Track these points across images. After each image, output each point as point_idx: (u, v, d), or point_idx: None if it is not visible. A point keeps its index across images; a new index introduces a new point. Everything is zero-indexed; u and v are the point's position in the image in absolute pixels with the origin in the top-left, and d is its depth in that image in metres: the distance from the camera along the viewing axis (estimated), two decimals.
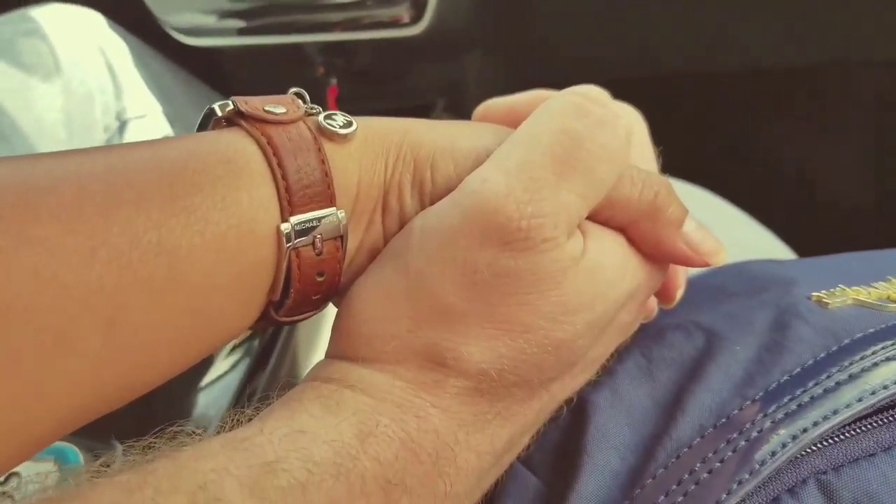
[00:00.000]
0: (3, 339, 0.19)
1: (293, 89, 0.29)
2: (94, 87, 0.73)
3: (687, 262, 0.29)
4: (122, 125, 0.75)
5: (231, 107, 0.26)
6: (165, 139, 0.25)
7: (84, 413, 0.22)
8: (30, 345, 0.20)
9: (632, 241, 0.29)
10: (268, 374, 0.57)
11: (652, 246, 0.29)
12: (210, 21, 0.77)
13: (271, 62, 0.92)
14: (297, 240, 0.25)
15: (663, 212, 0.28)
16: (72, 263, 0.20)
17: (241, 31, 0.79)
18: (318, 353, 0.60)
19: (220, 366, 0.56)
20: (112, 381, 0.22)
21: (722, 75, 1.02)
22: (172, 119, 0.80)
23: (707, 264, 0.29)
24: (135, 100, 0.77)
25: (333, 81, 0.84)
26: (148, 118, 0.77)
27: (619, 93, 0.31)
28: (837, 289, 0.32)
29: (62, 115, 0.70)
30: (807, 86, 1.02)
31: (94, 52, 0.75)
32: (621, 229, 0.29)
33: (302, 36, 0.79)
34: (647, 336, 0.33)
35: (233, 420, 0.25)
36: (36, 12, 0.74)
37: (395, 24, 0.75)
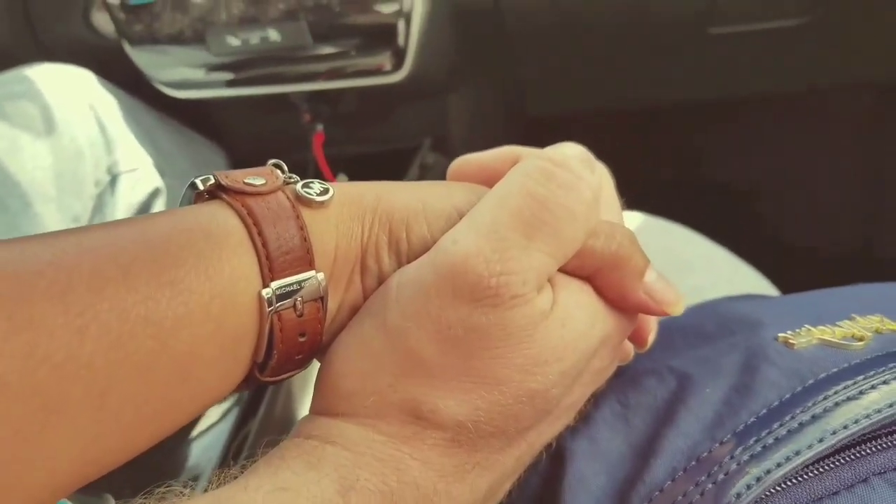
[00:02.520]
0: (4, 414, 0.20)
1: (271, 161, 0.30)
2: (84, 144, 0.75)
3: (647, 311, 0.30)
4: (114, 179, 0.77)
5: (212, 181, 0.28)
6: (150, 215, 0.26)
7: (78, 478, 0.23)
8: (27, 419, 0.21)
9: (597, 289, 0.30)
10: (259, 419, 0.57)
11: (616, 294, 0.30)
12: (198, 75, 0.79)
13: (260, 111, 0.94)
14: (279, 303, 0.26)
15: (626, 262, 0.29)
16: (64, 342, 0.21)
17: (230, 83, 0.80)
18: (309, 395, 0.61)
19: (213, 414, 0.56)
20: (104, 448, 0.23)
21: (696, 107, 1.04)
22: (163, 171, 0.81)
23: (666, 314, 0.30)
24: (126, 154, 0.78)
25: (320, 128, 0.85)
26: (139, 171, 0.79)
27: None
28: (803, 329, 0.33)
29: (51, 173, 0.71)
30: (783, 114, 1.03)
31: (85, 108, 0.77)
32: (588, 278, 0.30)
33: (288, 86, 0.81)
34: (622, 382, 0.34)
35: (219, 479, 0.26)
36: (29, 72, 0.76)
37: (377, 71, 0.76)
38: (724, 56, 0.87)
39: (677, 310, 0.30)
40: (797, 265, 0.71)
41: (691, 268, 0.55)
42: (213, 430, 0.55)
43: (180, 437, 0.54)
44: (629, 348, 0.35)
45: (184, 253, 0.25)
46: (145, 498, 0.25)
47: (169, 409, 0.25)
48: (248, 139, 1.00)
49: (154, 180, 0.80)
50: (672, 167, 1.09)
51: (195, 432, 0.54)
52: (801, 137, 1.07)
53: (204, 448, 0.54)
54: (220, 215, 0.27)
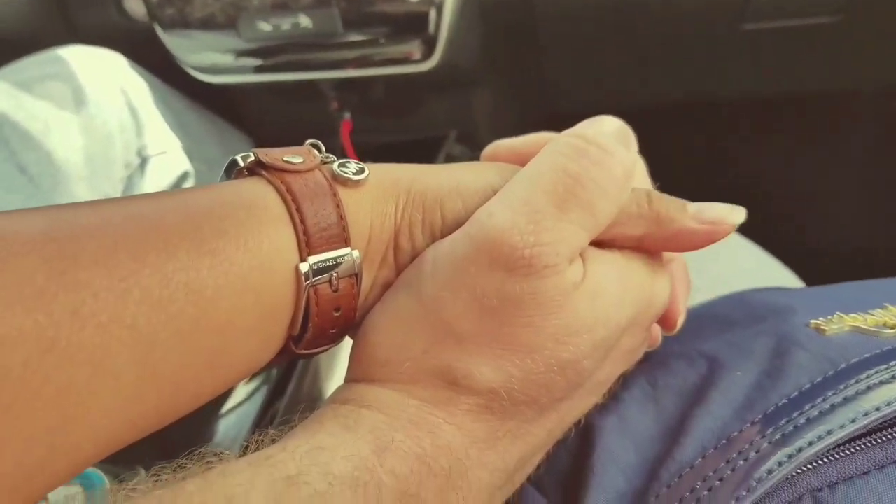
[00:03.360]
0: (48, 373, 0.21)
1: (309, 140, 0.31)
2: (114, 126, 0.76)
3: (709, 237, 0.30)
4: (143, 161, 0.78)
5: (252, 158, 0.28)
6: (191, 188, 0.27)
7: (117, 441, 0.24)
8: (71, 377, 0.21)
9: (651, 250, 0.31)
10: (286, 400, 0.58)
11: (672, 243, 0.30)
12: (228, 60, 0.80)
13: (287, 98, 0.94)
14: (315, 278, 0.27)
15: (663, 212, 0.30)
16: (108, 303, 0.22)
17: (258, 69, 0.81)
18: (336, 377, 0.62)
19: (240, 393, 0.57)
20: (143, 411, 0.24)
21: (726, 105, 1.04)
22: (192, 154, 0.82)
23: (729, 229, 0.30)
24: (155, 137, 0.79)
25: (347, 116, 0.86)
26: (168, 154, 0.80)
27: (627, 123, 0.32)
28: (835, 316, 0.34)
29: (83, 154, 0.72)
30: (813, 114, 1.03)
31: (116, 91, 0.78)
32: (638, 245, 0.30)
33: (316, 73, 0.81)
34: (652, 364, 0.35)
35: (257, 442, 0.27)
36: (62, 52, 0.77)
37: (406, 60, 0.77)
38: (757, 53, 0.87)
39: (738, 217, 0.30)
40: (824, 262, 0.70)
41: (716, 257, 0.55)
42: (239, 409, 0.56)
43: (209, 412, 0.55)
44: (658, 333, 0.36)
45: (224, 224, 0.25)
46: (187, 459, 0.26)
47: (208, 375, 0.25)
48: (276, 126, 1.00)
49: (183, 164, 0.81)
50: (699, 162, 1.08)
51: (224, 409, 0.55)
52: (830, 137, 1.06)
53: (233, 424, 0.55)
54: (259, 191, 0.27)
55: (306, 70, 0.80)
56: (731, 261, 0.57)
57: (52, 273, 0.21)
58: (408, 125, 0.97)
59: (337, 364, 0.64)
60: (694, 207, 0.30)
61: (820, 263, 0.64)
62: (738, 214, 0.30)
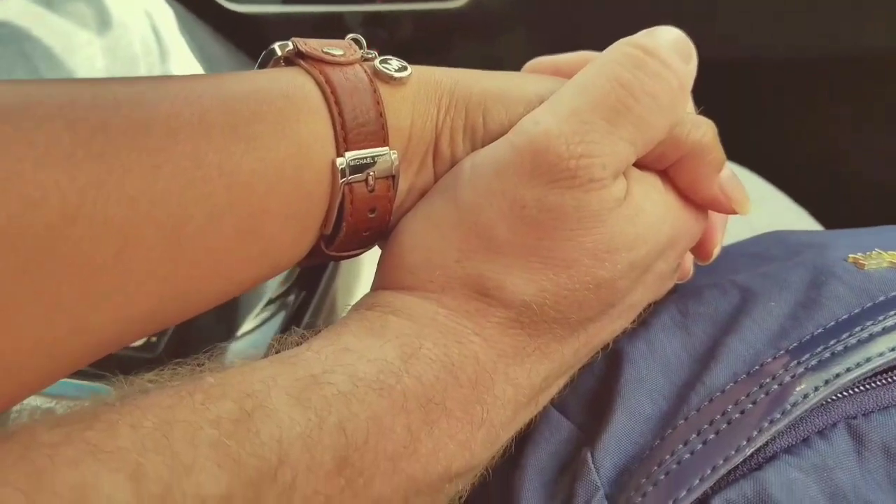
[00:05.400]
0: (72, 244, 0.20)
1: (350, 35, 0.29)
2: (138, 49, 0.75)
3: (717, 206, 0.30)
4: None
5: (291, 47, 0.27)
6: (228, 74, 0.26)
7: (140, 326, 0.24)
8: (98, 248, 0.21)
9: (674, 180, 0.30)
10: (303, 329, 0.58)
11: (690, 185, 0.30)
12: None
13: (312, 31, 0.93)
14: (352, 175, 0.26)
15: (707, 154, 0.29)
16: (138, 176, 0.21)
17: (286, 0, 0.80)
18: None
19: (257, 318, 0.57)
20: (171, 294, 0.23)
21: (763, 61, 1.01)
22: None
23: (734, 211, 0.30)
24: (179, 64, 0.78)
25: (373, 53, 0.85)
26: None
27: None
28: (874, 252, 0.33)
29: (106, 75, 0.71)
30: (849, 71, 1.01)
31: (141, 14, 0.77)
32: (667, 171, 0.30)
33: (344, 6, 0.80)
34: (683, 293, 0.34)
35: (280, 342, 0.26)
36: None
37: None
38: (789, 12, 0.85)
39: (746, 209, 0.30)
40: (852, 207, 0.69)
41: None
42: (257, 331, 0.56)
43: (225, 333, 0.54)
44: (689, 265, 0.35)
45: (262, 109, 0.25)
46: (203, 357, 0.25)
47: (235, 265, 0.25)
48: None
49: None
50: (736, 117, 1.06)
51: (240, 331, 0.55)
52: (863, 97, 1.04)
53: (248, 347, 0.54)
54: (297, 80, 0.26)
55: (333, 2, 0.79)
56: (764, 210, 0.56)
57: (78, 139, 0.20)
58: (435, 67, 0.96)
59: (356, 295, 0.63)
60: (726, 174, 0.30)
61: (852, 216, 0.63)
62: (748, 207, 0.30)
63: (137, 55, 0.74)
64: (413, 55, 0.89)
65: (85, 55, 0.70)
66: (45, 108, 0.21)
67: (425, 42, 0.90)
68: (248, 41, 0.93)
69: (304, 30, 0.93)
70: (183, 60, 0.79)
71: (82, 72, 0.69)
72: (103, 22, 0.73)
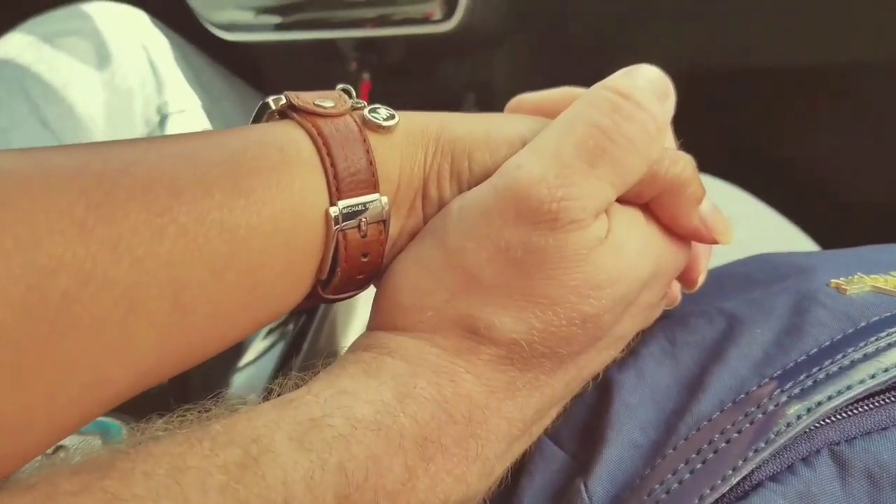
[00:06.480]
0: (86, 305, 0.21)
1: (340, 85, 0.31)
2: (135, 83, 0.76)
3: (698, 238, 0.31)
4: (163, 119, 0.78)
5: (284, 101, 0.29)
6: (224, 130, 0.27)
7: (148, 378, 0.24)
8: (108, 311, 0.22)
9: (655, 215, 0.31)
10: (302, 358, 0.58)
11: (671, 219, 0.30)
12: (248, 17, 0.80)
13: (306, 57, 0.94)
14: (345, 223, 0.27)
15: (686, 188, 0.30)
16: (144, 238, 0.22)
17: (278, 27, 0.81)
18: (352, 335, 0.62)
19: (257, 347, 0.58)
20: (175, 348, 0.24)
21: (752, 72, 1.02)
22: (211, 113, 0.82)
23: (716, 242, 0.31)
24: (175, 95, 0.80)
25: (366, 76, 0.86)
26: (188, 112, 0.80)
27: None
28: (856, 276, 0.33)
29: (104, 109, 0.72)
30: (841, 85, 1.01)
31: (138, 48, 0.78)
32: (647, 205, 0.30)
33: (336, 32, 0.81)
34: (671, 321, 0.35)
35: (280, 385, 0.27)
36: (85, 7, 0.77)
37: (426, 20, 0.76)
38: (777, 23, 0.86)
39: (727, 238, 0.31)
40: (843, 228, 0.70)
41: (736, 222, 0.55)
42: (258, 362, 0.57)
43: (226, 365, 0.55)
44: (677, 292, 0.36)
45: (258, 164, 0.26)
46: (210, 403, 0.26)
47: (239, 314, 0.26)
48: (295, 87, 1.00)
49: (202, 122, 0.81)
50: (723, 129, 1.07)
51: (241, 363, 0.56)
52: (850, 109, 1.05)
53: (249, 378, 0.55)
54: (291, 134, 0.27)
55: (326, 28, 0.80)
56: (751, 227, 0.57)
57: (90, 206, 0.21)
58: (426, 88, 0.97)
59: (353, 321, 0.64)
60: (706, 206, 0.31)
61: (839, 229, 0.64)
62: (730, 237, 0.32)
63: (134, 88, 0.75)
64: (405, 77, 0.89)
65: (84, 90, 0.71)
66: (59, 177, 0.22)
67: (416, 64, 0.91)
68: (244, 66, 0.95)
69: (297, 56, 0.94)
70: (179, 89, 0.81)
71: (82, 106, 0.70)
72: (101, 56, 0.74)
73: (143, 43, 0.79)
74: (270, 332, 0.59)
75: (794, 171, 1.06)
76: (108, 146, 0.24)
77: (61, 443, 0.24)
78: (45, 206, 0.21)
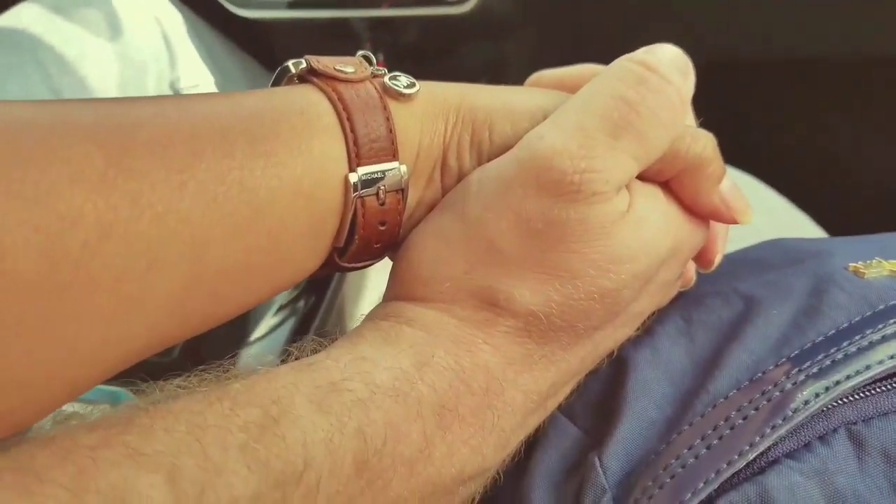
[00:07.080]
0: (106, 259, 0.21)
1: (360, 52, 0.30)
2: (148, 55, 0.76)
3: (718, 217, 0.31)
4: (176, 94, 0.78)
5: (304, 65, 0.28)
6: (244, 92, 0.27)
7: (166, 337, 0.24)
8: (128, 266, 0.22)
9: (675, 193, 0.30)
10: (312, 334, 0.58)
11: (690, 197, 0.30)
12: None
13: (319, 36, 0.94)
14: (363, 190, 0.27)
15: (707, 166, 0.30)
16: (164, 194, 0.22)
17: (291, 5, 0.80)
18: (360, 317, 0.62)
19: (267, 323, 0.58)
20: (194, 307, 0.24)
21: (766, 64, 1.02)
22: (223, 90, 0.82)
23: (735, 221, 0.31)
24: (188, 69, 0.79)
25: (380, 57, 0.85)
26: (200, 88, 0.80)
27: None
28: (874, 261, 0.33)
29: (117, 81, 0.72)
30: (852, 77, 1.01)
31: (151, 20, 0.78)
32: (668, 182, 0.30)
33: (350, 11, 0.80)
34: (686, 301, 0.35)
35: (298, 349, 0.27)
36: None
37: (443, 1, 0.76)
38: (794, 14, 0.85)
39: (747, 218, 0.31)
40: (855, 212, 0.70)
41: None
42: (268, 337, 0.57)
43: (237, 339, 0.55)
44: (692, 272, 0.36)
45: (278, 127, 0.25)
46: (229, 363, 0.26)
47: (256, 277, 0.26)
48: None
49: None
50: (737, 119, 1.07)
51: (252, 337, 0.56)
52: (865, 101, 1.04)
53: (260, 352, 0.55)
54: (311, 98, 0.27)
55: (340, 7, 0.80)
56: (762, 215, 0.57)
57: (110, 158, 0.21)
58: (440, 71, 0.96)
59: (362, 302, 0.64)
60: (727, 185, 0.31)
61: (849, 218, 0.63)
62: (750, 217, 0.31)
63: (147, 61, 0.75)
64: (420, 59, 0.89)
65: (97, 62, 0.71)
66: (77, 128, 0.22)
67: (430, 46, 0.91)
68: (256, 45, 0.94)
69: (310, 35, 0.94)
70: (191, 65, 0.80)
71: (95, 78, 0.70)
72: (114, 28, 0.74)
73: (157, 16, 0.79)
74: (280, 308, 0.59)
75: (804, 160, 1.05)
76: (128, 101, 0.24)
77: (73, 410, 0.24)
78: (64, 156, 0.21)
